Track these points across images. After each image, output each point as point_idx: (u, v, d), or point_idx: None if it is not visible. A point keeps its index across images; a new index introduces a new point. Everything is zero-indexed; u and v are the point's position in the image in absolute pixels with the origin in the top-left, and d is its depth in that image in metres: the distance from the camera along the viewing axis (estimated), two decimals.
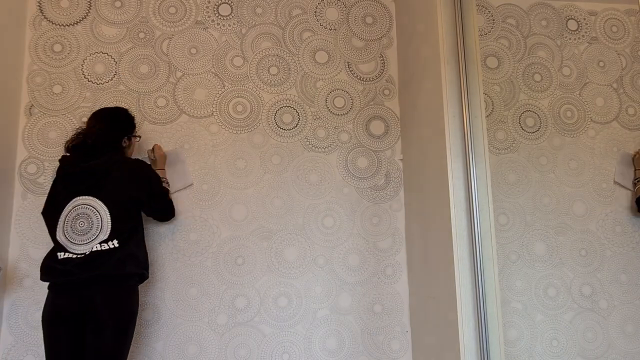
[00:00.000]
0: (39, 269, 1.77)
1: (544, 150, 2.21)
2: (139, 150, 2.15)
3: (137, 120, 2.16)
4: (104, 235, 1.73)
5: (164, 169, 2.10)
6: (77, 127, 1.97)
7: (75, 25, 2.26)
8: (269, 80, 2.33)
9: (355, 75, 2.40)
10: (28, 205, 2.10)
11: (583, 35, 2.34)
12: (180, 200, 2.16)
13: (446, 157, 1.76)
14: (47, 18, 2.25)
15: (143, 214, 1.96)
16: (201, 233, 2.16)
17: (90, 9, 2.28)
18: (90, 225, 1.74)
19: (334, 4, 2.45)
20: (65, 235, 1.74)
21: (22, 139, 2.14)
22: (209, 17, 2.35)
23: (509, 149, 2.19)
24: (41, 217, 1.84)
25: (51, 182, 1.86)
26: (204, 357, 2.08)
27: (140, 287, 1.91)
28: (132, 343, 1.79)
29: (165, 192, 2.00)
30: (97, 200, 1.76)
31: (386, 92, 2.42)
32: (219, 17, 2.35)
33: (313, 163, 2.30)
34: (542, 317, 2.07)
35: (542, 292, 2.09)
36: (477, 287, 1.65)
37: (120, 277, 1.75)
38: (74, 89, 2.21)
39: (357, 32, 2.45)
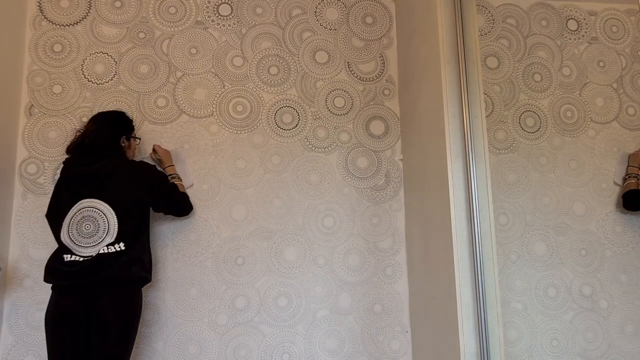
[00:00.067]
0: (39, 269, 1.77)
1: (544, 150, 2.21)
2: (140, 153, 2.15)
3: (137, 120, 2.17)
4: (111, 237, 1.74)
5: (172, 165, 2.10)
6: (78, 129, 1.97)
7: (75, 25, 2.26)
8: (269, 80, 2.33)
9: (355, 75, 2.40)
10: (28, 205, 2.10)
11: (583, 35, 2.34)
12: None
13: (446, 157, 1.76)
14: (47, 18, 2.25)
15: (152, 214, 1.96)
16: (201, 233, 2.16)
17: (90, 9, 2.28)
18: (96, 228, 1.74)
19: (334, 4, 2.45)
20: (71, 238, 1.74)
21: (22, 139, 2.14)
22: (209, 17, 2.35)
23: (509, 149, 2.19)
24: (42, 218, 1.84)
25: (52, 183, 1.87)
26: (204, 357, 2.08)
27: (142, 287, 1.92)
28: (134, 343, 1.79)
29: (172, 191, 1.98)
30: (103, 203, 1.76)
31: (386, 92, 2.42)
32: (219, 17, 2.35)
33: (313, 163, 2.30)
34: (542, 317, 2.07)
35: (542, 292, 2.09)
36: (477, 287, 1.65)
37: (126, 279, 1.76)
38: (74, 89, 2.21)
39: (357, 32, 2.45)
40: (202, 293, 2.12)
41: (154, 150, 2.11)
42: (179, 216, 2.10)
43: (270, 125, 2.30)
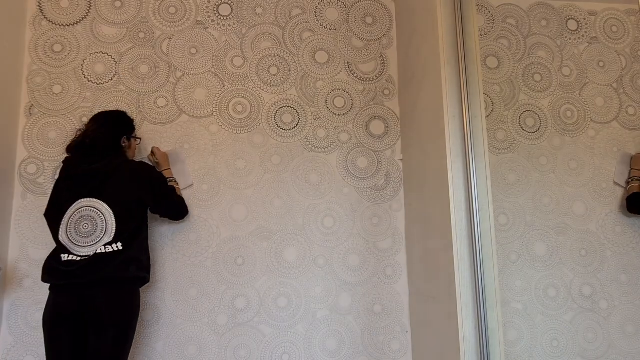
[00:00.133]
0: (38, 269, 1.77)
1: (544, 150, 2.21)
2: (140, 153, 2.15)
3: (137, 120, 2.17)
4: (109, 237, 1.73)
5: (169, 169, 2.10)
6: (78, 128, 1.98)
7: (75, 25, 2.26)
8: (269, 80, 2.33)
9: (355, 75, 2.40)
10: (28, 205, 2.10)
11: (583, 35, 2.34)
12: None
13: (446, 157, 1.76)
14: (47, 18, 2.25)
15: (151, 215, 1.97)
16: (201, 233, 2.16)
17: (90, 9, 2.28)
18: (94, 227, 1.74)
19: (334, 4, 2.45)
20: (69, 237, 1.73)
21: (22, 139, 2.14)
22: (209, 17, 2.35)
23: (509, 149, 2.19)
24: (41, 218, 1.84)
25: (51, 183, 1.86)
26: (204, 358, 2.08)
27: (141, 288, 1.91)
28: (132, 343, 1.79)
29: (170, 192, 1.99)
30: (102, 203, 1.76)
31: (386, 92, 2.42)
32: (219, 17, 2.35)
33: (313, 163, 2.29)
34: (542, 318, 2.07)
35: (542, 293, 2.09)
36: (477, 287, 1.65)
37: (124, 280, 1.75)
38: (74, 89, 2.21)
39: (357, 32, 2.45)
40: (202, 293, 2.12)
41: (152, 152, 2.11)
42: (175, 219, 2.09)
43: (270, 125, 2.30)
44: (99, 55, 2.25)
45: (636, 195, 2.09)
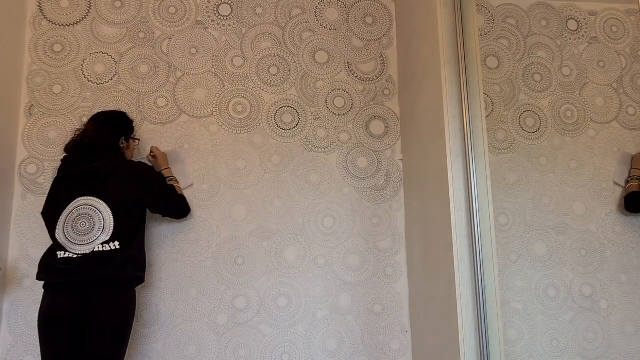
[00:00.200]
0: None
1: (544, 150, 2.21)
2: (140, 153, 2.15)
3: (137, 120, 2.17)
4: (106, 236, 1.73)
5: (169, 168, 2.10)
6: (77, 128, 1.98)
7: (75, 25, 2.26)
8: (269, 80, 2.33)
9: (355, 75, 2.40)
10: (28, 205, 2.10)
11: (583, 35, 2.34)
12: None
13: (446, 157, 1.76)
14: (47, 18, 2.25)
15: (150, 215, 1.97)
16: (201, 233, 2.16)
17: (90, 9, 2.28)
18: (92, 225, 1.73)
19: (334, 4, 2.45)
20: (65, 235, 1.73)
21: (22, 139, 2.14)
22: (209, 17, 2.35)
23: (509, 149, 2.19)
24: (41, 217, 1.83)
25: (51, 182, 1.86)
26: (204, 358, 2.08)
27: (140, 288, 1.92)
28: (131, 343, 1.79)
29: (170, 192, 1.99)
30: (100, 201, 1.76)
31: (386, 92, 2.42)
32: (219, 17, 2.35)
33: (313, 163, 2.29)
34: (542, 317, 2.07)
35: (542, 292, 2.09)
36: (477, 287, 1.65)
37: (121, 279, 1.75)
38: (74, 89, 2.21)
39: (357, 32, 2.45)
40: (202, 293, 2.12)
41: (151, 152, 2.11)
42: (177, 218, 2.09)
43: (270, 125, 2.30)
44: (99, 55, 2.25)
45: (634, 194, 2.09)
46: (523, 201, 2.15)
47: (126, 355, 1.75)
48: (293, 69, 2.36)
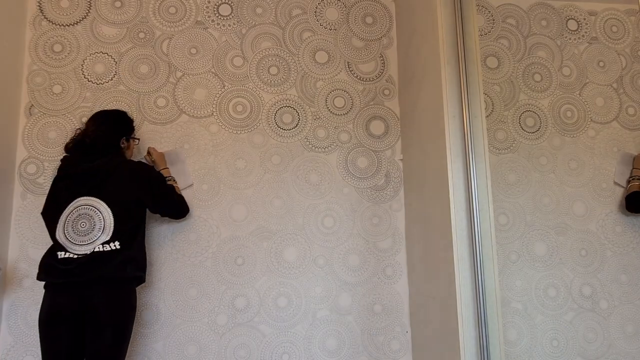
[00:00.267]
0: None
1: (544, 150, 2.21)
2: (140, 153, 2.15)
3: (137, 120, 2.17)
4: (106, 236, 1.73)
5: (167, 168, 2.10)
6: (77, 128, 1.98)
7: (75, 25, 2.26)
8: (269, 80, 2.33)
9: (355, 75, 2.40)
10: (28, 205, 2.09)
11: (583, 35, 2.34)
12: None
13: (446, 157, 1.76)
14: (47, 18, 2.25)
15: (150, 215, 1.96)
16: (201, 233, 2.16)
17: (90, 9, 2.28)
18: (92, 226, 1.73)
19: (334, 4, 2.45)
20: (66, 235, 1.73)
21: (22, 139, 2.14)
22: (209, 17, 2.35)
23: (509, 149, 2.19)
24: (41, 217, 1.83)
25: (51, 182, 1.86)
26: (204, 358, 2.08)
27: (140, 287, 1.92)
28: (131, 343, 1.79)
29: (170, 192, 1.99)
30: (100, 201, 1.76)
31: (386, 92, 2.41)
32: (219, 17, 2.35)
33: (313, 163, 2.29)
34: (542, 317, 2.07)
35: (542, 292, 2.09)
36: (477, 287, 1.65)
37: (122, 279, 1.75)
38: (74, 89, 2.21)
39: (357, 32, 2.45)
40: (202, 293, 2.12)
41: (148, 152, 2.11)
42: (176, 218, 2.09)
43: (270, 125, 2.30)
44: (99, 55, 2.25)
45: (636, 194, 2.09)
46: (523, 201, 2.15)
47: (126, 355, 1.75)
48: (293, 69, 2.36)
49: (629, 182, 2.14)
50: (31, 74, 2.20)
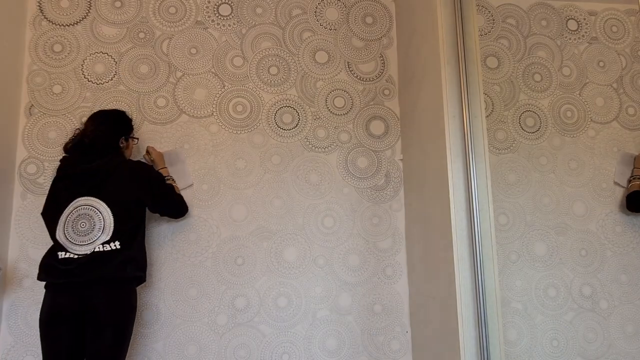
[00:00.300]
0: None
1: (544, 150, 2.21)
2: (139, 153, 2.15)
3: (137, 120, 2.17)
4: (106, 236, 1.73)
5: (165, 168, 2.10)
6: (76, 128, 1.98)
7: (75, 25, 2.26)
8: (269, 80, 2.33)
9: (355, 75, 2.40)
10: (28, 205, 2.10)
11: (583, 35, 2.34)
12: None
13: (446, 157, 1.76)
14: (47, 18, 2.25)
15: (150, 215, 1.96)
16: (201, 233, 2.16)
17: (90, 9, 2.28)
18: (92, 226, 1.73)
19: (334, 4, 2.45)
20: (66, 236, 1.73)
21: (22, 139, 2.14)
22: (209, 17, 2.35)
23: (509, 149, 2.19)
24: (41, 218, 1.83)
25: (51, 182, 1.86)
26: (204, 358, 2.08)
27: (140, 287, 1.92)
28: (131, 343, 1.79)
29: (170, 191, 1.99)
30: (100, 201, 1.76)
31: (386, 92, 2.41)
32: (219, 17, 2.35)
33: (313, 163, 2.29)
34: (542, 317, 2.07)
35: (542, 292, 2.09)
36: (477, 287, 1.65)
37: (122, 279, 1.75)
38: (74, 89, 2.21)
39: (357, 32, 2.45)
40: (202, 293, 2.12)
41: (147, 152, 2.11)
42: (175, 218, 2.09)
43: (270, 125, 2.30)
44: (99, 55, 2.25)
45: (636, 193, 2.09)
46: (523, 201, 2.15)
47: (126, 355, 1.75)
48: (293, 69, 2.36)
49: (629, 181, 2.14)
50: (31, 74, 2.20)
